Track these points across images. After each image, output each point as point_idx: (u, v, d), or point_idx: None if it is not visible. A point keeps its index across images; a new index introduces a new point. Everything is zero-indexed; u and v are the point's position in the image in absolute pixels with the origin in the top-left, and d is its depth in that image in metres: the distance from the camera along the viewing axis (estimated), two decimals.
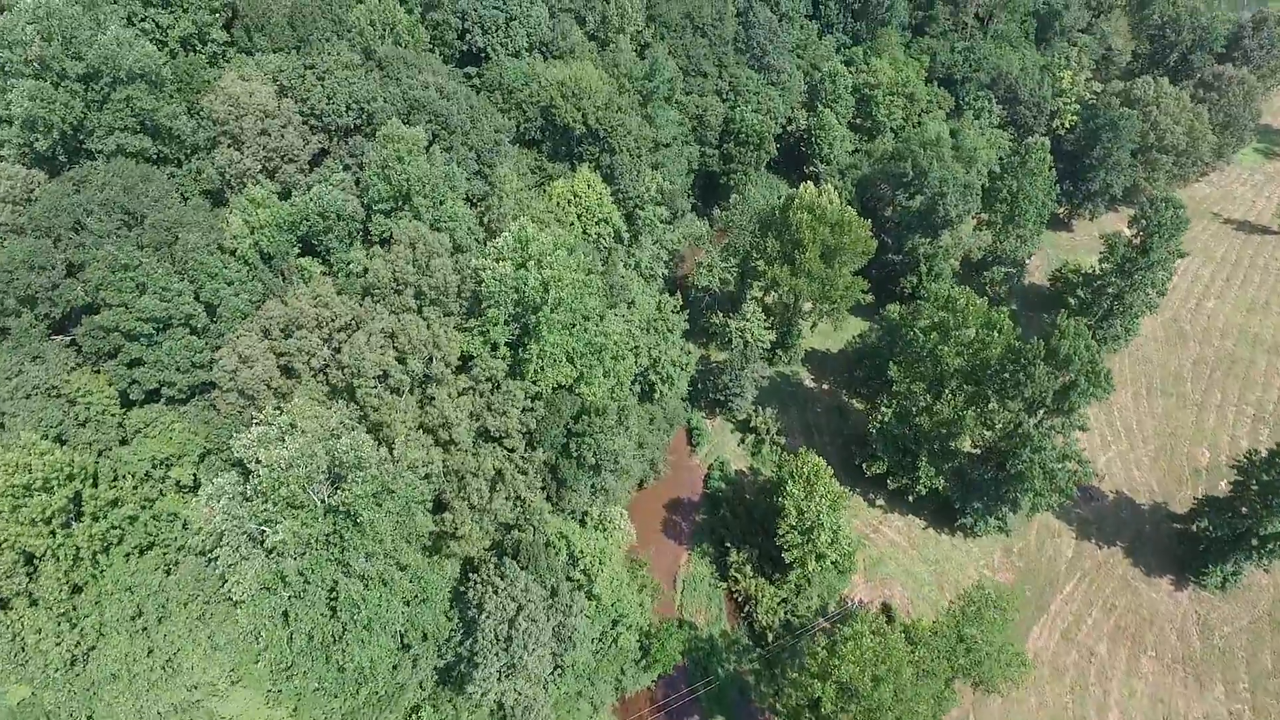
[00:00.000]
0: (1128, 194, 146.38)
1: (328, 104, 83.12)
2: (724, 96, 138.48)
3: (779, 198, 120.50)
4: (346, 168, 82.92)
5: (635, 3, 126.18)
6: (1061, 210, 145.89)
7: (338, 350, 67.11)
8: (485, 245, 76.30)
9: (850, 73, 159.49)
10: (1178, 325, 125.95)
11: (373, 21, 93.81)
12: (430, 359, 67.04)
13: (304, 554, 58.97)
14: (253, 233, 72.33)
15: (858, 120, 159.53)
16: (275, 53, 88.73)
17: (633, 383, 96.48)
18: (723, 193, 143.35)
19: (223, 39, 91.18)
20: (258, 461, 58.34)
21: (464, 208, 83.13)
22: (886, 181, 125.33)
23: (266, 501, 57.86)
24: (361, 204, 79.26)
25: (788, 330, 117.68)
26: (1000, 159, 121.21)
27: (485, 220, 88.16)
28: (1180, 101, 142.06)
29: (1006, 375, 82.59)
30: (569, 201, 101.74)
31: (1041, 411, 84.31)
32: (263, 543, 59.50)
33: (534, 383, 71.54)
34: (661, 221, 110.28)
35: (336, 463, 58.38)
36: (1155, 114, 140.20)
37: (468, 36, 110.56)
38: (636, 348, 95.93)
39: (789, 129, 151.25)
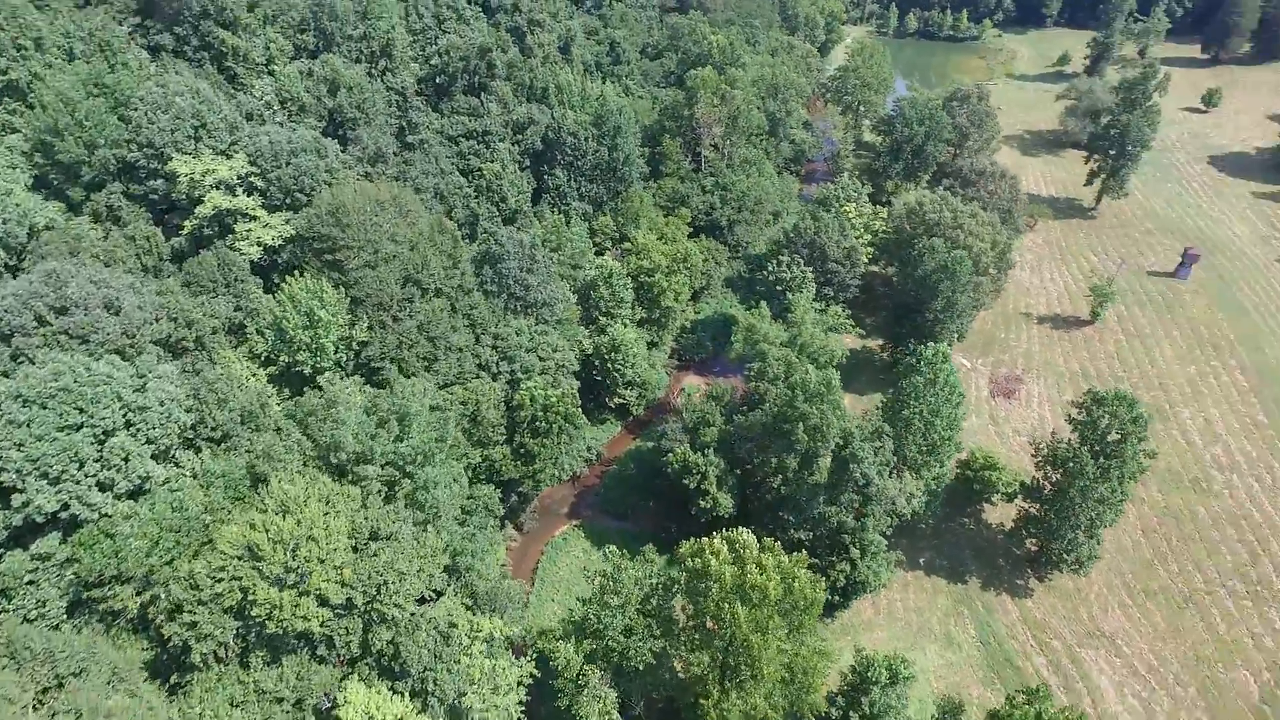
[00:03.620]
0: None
1: None
2: (494, 371, 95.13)
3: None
4: None
5: (327, 326, 77.94)
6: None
7: None
8: None
9: (619, 261, 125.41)
10: None
11: None
12: None
13: None
14: None
15: (641, 313, 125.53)
16: None
17: None
18: (528, 497, 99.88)
19: None
20: None
21: None
22: (761, 439, 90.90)
23: None
24: None
25: None
26: (904, 384, 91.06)
27: None
28: (977, 216, 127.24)
29: None
30: None
31: None
32: None
33: None
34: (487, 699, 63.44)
35: None
36: (963, 237, 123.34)
37: None
38: None
39: None
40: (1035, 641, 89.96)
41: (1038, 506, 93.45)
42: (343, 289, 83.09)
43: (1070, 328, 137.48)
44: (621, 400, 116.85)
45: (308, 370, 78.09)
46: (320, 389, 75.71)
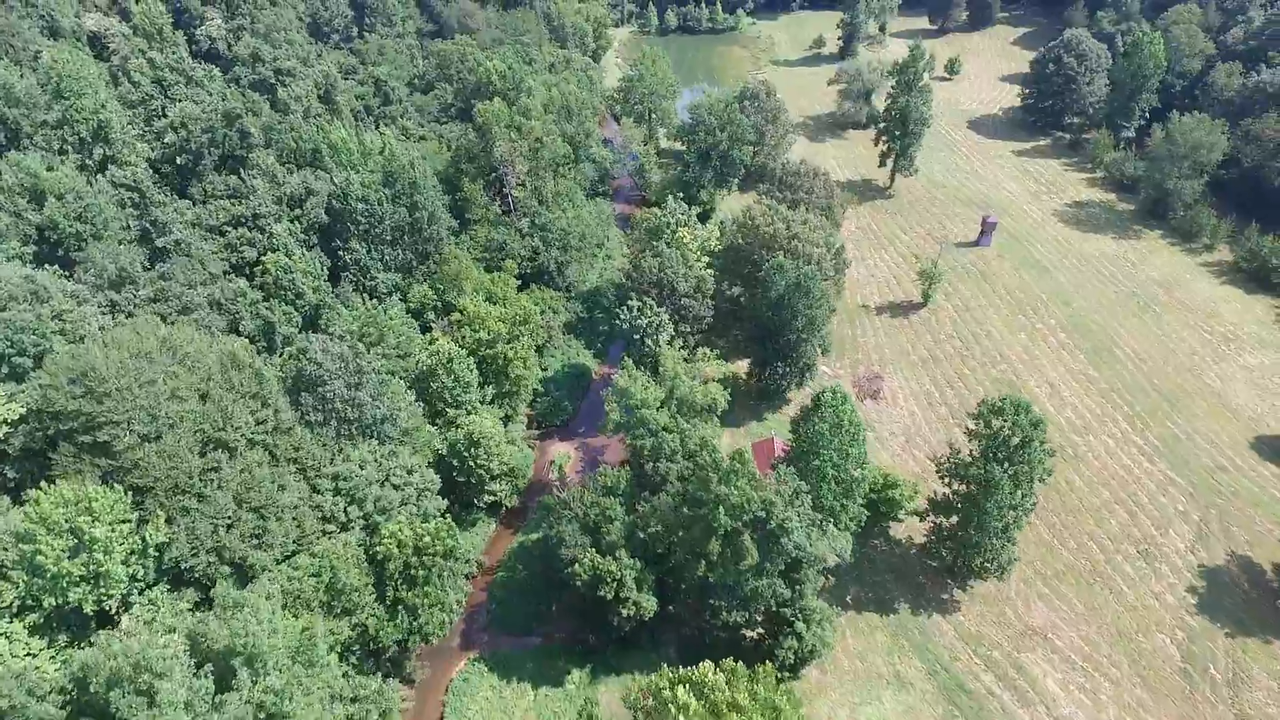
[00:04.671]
0: None
1: None
2: (344, 520, 76.74)
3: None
4: None
5: (106, 545, 56.93)
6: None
7: None
8: None
9: (447, 334, 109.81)
10: None
11: None
12: None
13: None
14: None
15: (491, 390, 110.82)
16: None
17: None
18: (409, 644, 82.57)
19: None
20: None
21: None
22: (672, 523, 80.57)
23: None
24: None
25: None
26: (805, 431, 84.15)
27: None
28: (808, 222, 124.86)
29: None
30: None
31: None
32: None
33: None
34: None
35: None
36: (803, 247, 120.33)
37: None
38: None
39: None
40: (978, 657, 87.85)
41: (949, 521, 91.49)
42: (116, 479, 61.74)
43: (908, 313, 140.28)
44: (492, 497, 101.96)
45: (89, 609, 56.73)
46: (116, 626, 55.22)
